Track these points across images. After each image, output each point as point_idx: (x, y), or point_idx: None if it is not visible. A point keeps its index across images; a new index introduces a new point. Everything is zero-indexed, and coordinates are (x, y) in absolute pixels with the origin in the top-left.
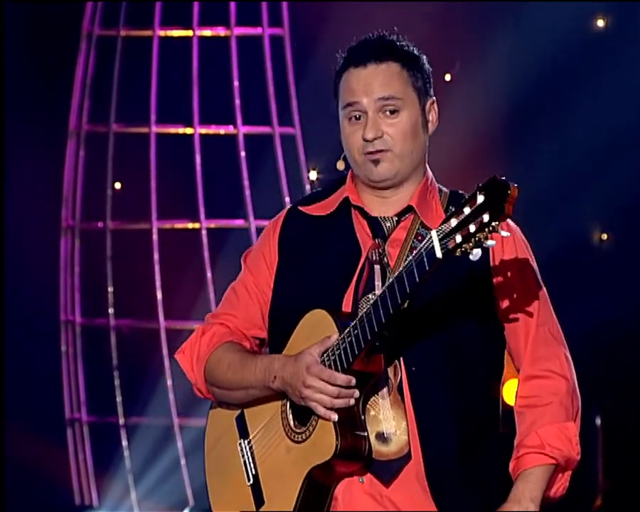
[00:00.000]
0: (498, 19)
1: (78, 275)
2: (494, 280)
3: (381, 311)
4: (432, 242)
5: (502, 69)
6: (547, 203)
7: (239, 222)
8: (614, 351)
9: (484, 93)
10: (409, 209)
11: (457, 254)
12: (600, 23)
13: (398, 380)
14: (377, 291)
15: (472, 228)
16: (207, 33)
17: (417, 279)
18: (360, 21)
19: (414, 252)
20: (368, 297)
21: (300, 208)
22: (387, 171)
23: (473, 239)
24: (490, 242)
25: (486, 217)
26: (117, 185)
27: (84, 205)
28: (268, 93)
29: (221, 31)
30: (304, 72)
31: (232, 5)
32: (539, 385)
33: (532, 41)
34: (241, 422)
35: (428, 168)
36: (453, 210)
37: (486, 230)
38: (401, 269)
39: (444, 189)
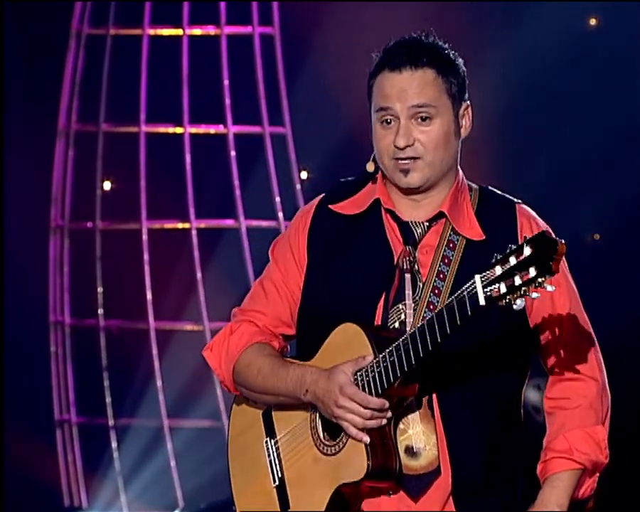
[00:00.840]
0: (491, 19)
1: (67, 275)
2: (532, 313)
3: (419, 345)
4: (475, 288)
5: (496, 69)
6: (541, 203)
7: (229, 222)
8: (613, 353)
9: (478, 94)
10: (440, 215)
11: (501, 303)
12: (593, 22)
13: (429, 396)
14: (408, 301)
15: (517, 281)
16: (197, 31)
17: (458, 322)
18: (352, 20)
19: (456, 293)
20: (398, 307)
21: (330, 206)
22: (417, 181)
23: (518, 291)
24: (535, 295)
25: (532, 272)
26: (107, 185)
27: (73, 205)
28: (258, 92)
29: (211, 30)
30: (294, 71)
31: (222, 4)
32: (569, 387)
33: (526, 41)
34: (268, 420)
35: (460, 169)
36: (498, 257)
37: (532, 284)
38: (441, 307)
39: (474, 186)
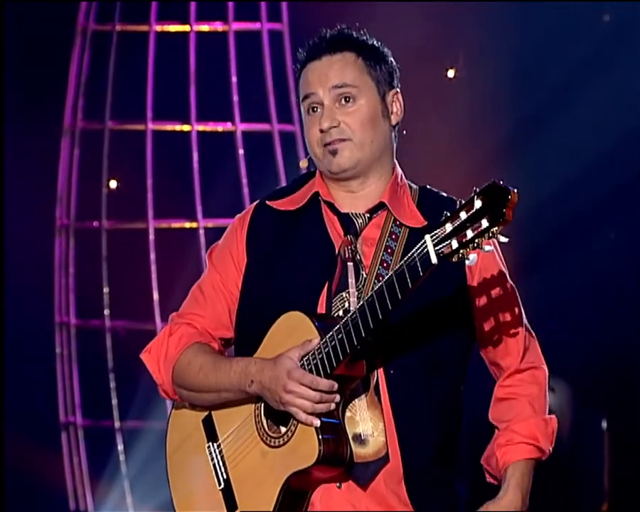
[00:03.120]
0: (502, 15)
1: (73, 276)
2: (470, 285)
3: (369, 317)
4: (427, 247)
5: (506, 68)
6: (546, 203)
7: None
8: (621, 355)
9: (487, 92)
10: (380, 205)
11: (454, 260)
12: (606, 18)
13: (375, 381)
14: (352, 289)
15: (469, 234)
16: (204, 28)
17: (410, 285)
18: (361, 16)
19: (406, 257)
20: (342, 295)
21: (268, 202)
22: (348, 160)
23: (471, 244)
24: (487, 248)
25: (484, 223)
26: (113, 184)
27: (79, 203)
28: (267, 89)
29: (219, 26)
30: None
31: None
32: (528, 375)
33: (537, 39)
34: (209, 424)
35: (397, 164)
36: (447, 214)
37: (485, 235)
38: (391, 273)
39: (413, 185)
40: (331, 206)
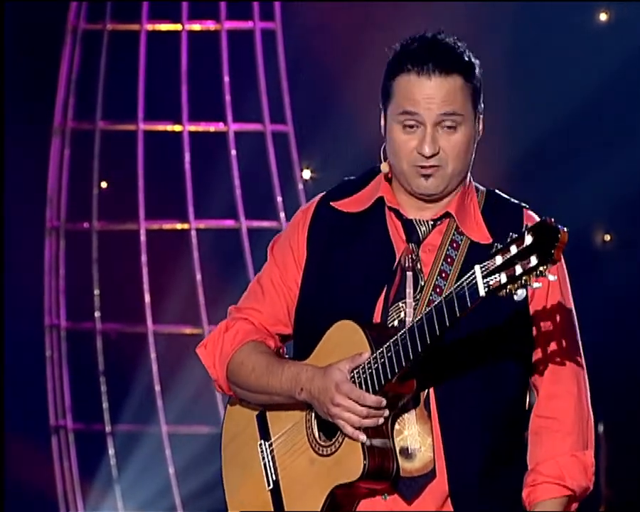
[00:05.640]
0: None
1: (63, 277)
2: (531, 312)
3: (418, 340)
4: (475, 278)
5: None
6: (549, 203)
7: (229, 223)
8: (617, 359)
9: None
10: (446, 215)
11: (501, 294)
12: (603, 16)
13: (425, 395)
14: (409, 300)
15: (518, 270)
16: (196, 27)
17: (458, 314)
18: (356, 15)
19: (456, 285)
20: (398, 305)
21: (331, 202)
22: (436, 188)
23: (519, 280)
24: (536, 285)
25: (533, 260)
26: (103, 185)
27: (69, 205)
28: (259, 89)
29: (211, 25)
30: (296, 67)
31: None
32: (559, 407)
33: (532, 37)
34: (262, 421)
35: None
36: (499, 246)
37: (533, 273)
38: (440, 299)
39: (481, 188)
40: (396, 212)
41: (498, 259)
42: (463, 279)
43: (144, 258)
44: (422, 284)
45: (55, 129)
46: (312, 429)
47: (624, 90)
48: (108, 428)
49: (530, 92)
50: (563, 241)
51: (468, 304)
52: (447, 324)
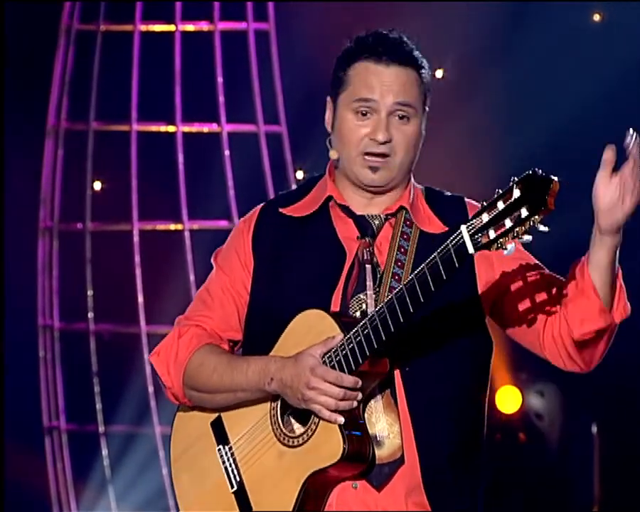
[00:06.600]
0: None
1: (57, 278)
2: (487, 282)
3: (399, 311)
4: (462, 238)
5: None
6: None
7: (223, 223)
8: (611, 361)
9: (482, 91)
10: (400, 209)
11: (492, 249)
12: (596, 17)
13: (392, 383)
14: (369, 291)
15: (508, 223)
16: (190, 27)
17: (444, 277)
18: (350, 15)
19: (439, 249)
20: (359, 297)
21: (280, 209)
22: (383, 180)
23: (510, 234)
24: (527, 237)
25: (524, 212)
26: (97, 185)
27: (62, 205)
28: (253, 90)
29: (204, 26)
30: (290, 68)
31: None
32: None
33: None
34: (218, 427)
35: None
36: (484, 204)
37: (525, 224)
38: (423, 266)
39: (418, 186)
40: (346, 209)
41: (485, 217)
42: (447, 242)
43: (137, 259)
44: (381, 274)
45: (48, 129)
46: (278, 422)
47: (623, 91)
48: (102, 429)
49: (529, 93)
50: (555, 189)
51: (456, 263)
52: (432, 289)
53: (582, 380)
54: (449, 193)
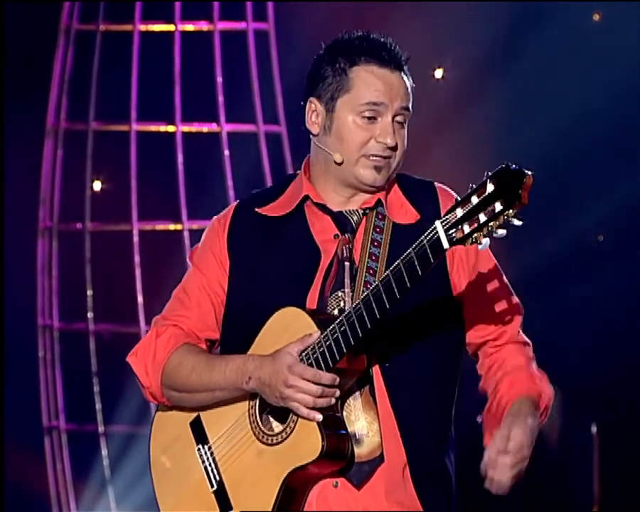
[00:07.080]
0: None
1: (56, 278)
2: (452, 277)
3: (375, 307)
4: (437, 233)
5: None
6: (544, 206)
7: None
8: (610, 361)
9: (483, 94)
10: (377, 202)
11: (466, 244)
12: (596, 17)
13: (370, 382)
14: (347, 289)
15: (482, 218)
16: (189, 27)
17: (420, 273)
18: (350, 15)
19: (414, 245)
20: (337, 294)
21: (256, 209)
22: (384, 180)
23: (485, 228)
24: (501, 231)
25: (498, 206)
26: (96, 185)
27: (62, 205)
28: (253, 90)
29: (204, 26)
30: (289, 68)
31: None
32: (507, 351)
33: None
34: (197, 427)
35: None
36: (458, 199)
37: (501, 218)
38: (398, 262)
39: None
40: (323, 207)
41: (459, 212)
42: (422, 238)
43: (136, 259)
44: (356, 269)
45: (47, 129)
46: (257, 421)
47: (622, 92)
48: (101, 429)
49: (527, 95)
50: (528, 183)
51: (431, 259)
52: (408, 285)
53: (582, 380)
54: (418, 177)
